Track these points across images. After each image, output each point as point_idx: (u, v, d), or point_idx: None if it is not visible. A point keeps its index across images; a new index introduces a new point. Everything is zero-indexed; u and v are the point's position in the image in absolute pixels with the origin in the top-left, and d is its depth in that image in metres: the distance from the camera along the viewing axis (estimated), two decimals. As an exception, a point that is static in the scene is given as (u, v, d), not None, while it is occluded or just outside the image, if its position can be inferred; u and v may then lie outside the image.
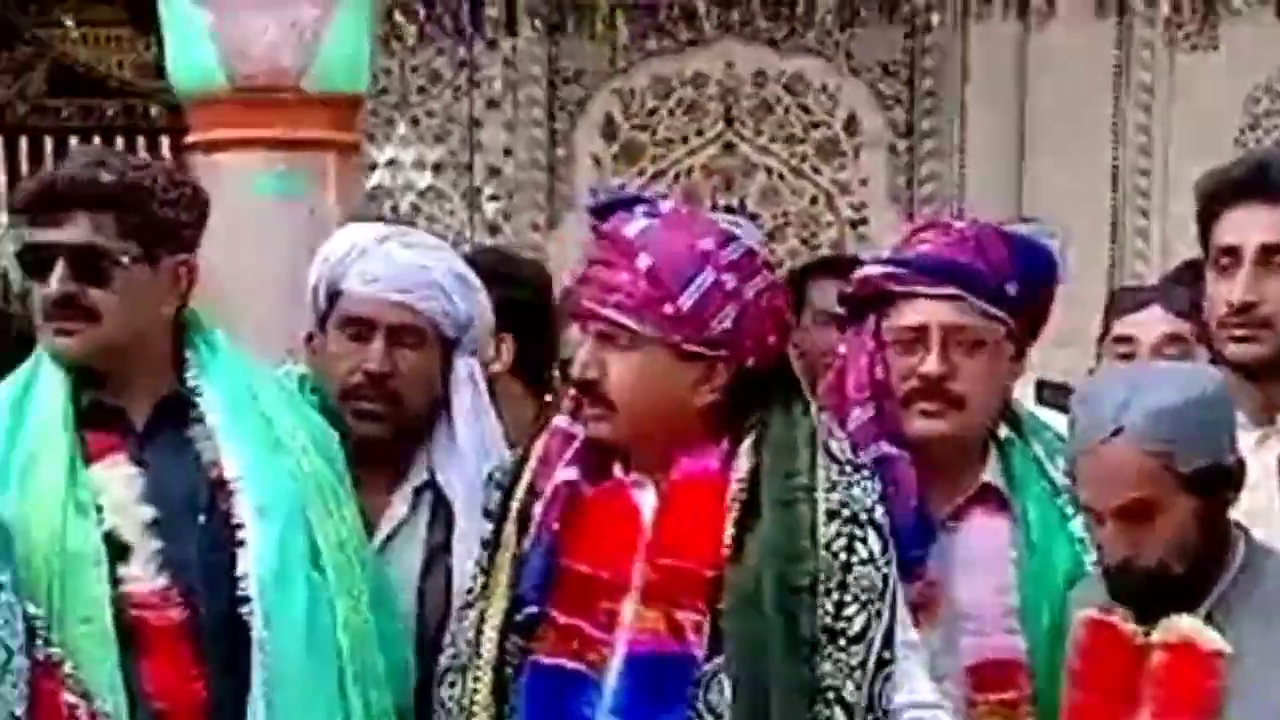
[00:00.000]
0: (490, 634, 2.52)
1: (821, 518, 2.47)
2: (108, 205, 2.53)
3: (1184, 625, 2.46)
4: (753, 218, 6.44)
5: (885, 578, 2.49)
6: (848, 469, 2.53)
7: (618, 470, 2.56)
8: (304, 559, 2.58)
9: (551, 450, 2.59)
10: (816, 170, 6.58)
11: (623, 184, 6.41)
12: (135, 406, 2.61)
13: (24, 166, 7.17)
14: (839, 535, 2.46)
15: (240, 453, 2.60)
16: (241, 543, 2.55)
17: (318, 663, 2.58)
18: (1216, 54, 6.34)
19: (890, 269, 2.75)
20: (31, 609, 2.35)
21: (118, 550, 2.50)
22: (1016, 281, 2.74)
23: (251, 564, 2.54)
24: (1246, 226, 2.79)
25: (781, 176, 6.59)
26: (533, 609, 2.49)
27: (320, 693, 2.58)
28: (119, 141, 6.75)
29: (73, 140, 7.05)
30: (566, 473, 2.55)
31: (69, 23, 7.01)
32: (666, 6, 6.38)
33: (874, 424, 2.72)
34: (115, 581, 2.48)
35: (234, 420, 2.62)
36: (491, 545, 2.59)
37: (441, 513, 2.90)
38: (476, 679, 2.52)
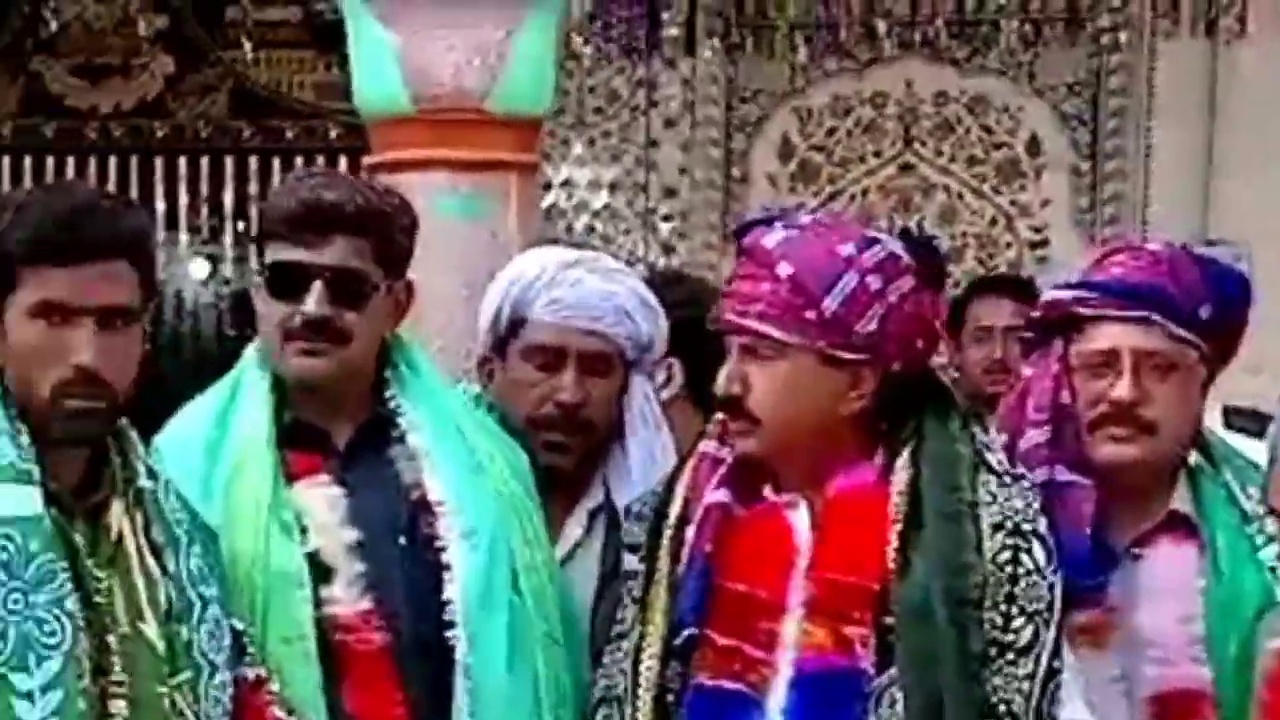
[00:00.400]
0: (649, 661, 2.51)
1: (986, 530, 2.44)
2: (364, 230, 2.56)
3: None
4: (930, 238, 6.39)
5: (1051, 588, 2.46)
6: (1007, 480, 2.49)
7: (768, 491, 2.53)
8: (506, 583, 2.59)
9: (700, 475, 2.57)
10: (997, 191, 6.51)
11: (799, 204, 6.38)
12: (338, 426, 2.63)
13: (204, 188, 7.26)
14: (1004, 548, 2.43)
15: (444, 475, 2.60)
16: (446, 566, 2.54)
17: (518, 686, 2.58)
18: None
19: (1080, 293, 2.71)
20: (238, 624, 2.37)
21: (321, 572, 2.51)
22: (1209, 305, 2.70)
23: (458, 588, 2.54)
24: None
25: (961, 197, 6.53)
26: (691, 631, 2.47)
27: (520, 716, 2.58)
28: (298, 162, 6.80)
29: (252, 161, 7.17)
30: (716, 495, 2.53)
31: (248, 45, 7.08)
32: (847, 26, 6.33)
33: (1048, 447, 2.68)
34: (318, 603, 2.49)
35: (437, 442, 2.63)
36: (645, 575, 2.57)
37: (615, 536, 2.88)
38: (636, 707, 2.50)
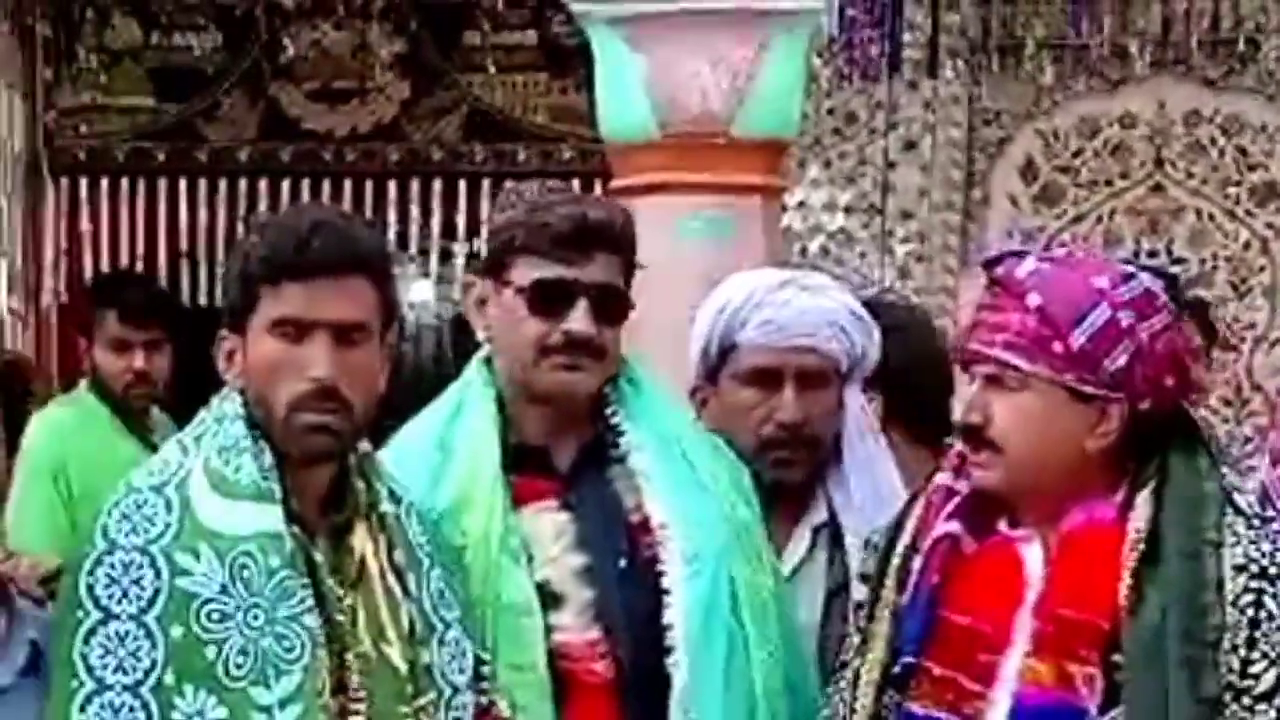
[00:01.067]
0: (866, 688, 2.48)
1: (1229, 571, 2.35)
2: (620, 248, 2.58)
3: None
4: (1178, 261, 6.24)
5: None
6: (1255, 522, 2.41)
7: (1003, 525, 2.49)
8: (726, 608, 2.55)
9: (933, 505, 2.52)
10: (1251, 214, 6.34)
11: (1040, 226, 6.29)
12: (560, 447, 2.61)
13: (436, 210, 7.32)
14: (1246, 590, 2.35)
15: (666, 497, 2.58)
16: (666, 590, 2.52)
17: (734, 714, 2.54)
18: None
19: None
20: (476, 649, 2.36)
21: (551, 599, 2.49)
22: None
23: (678, 614, 2.51)
24: None
25: (1213, 219, 6.36)
26: (909, 659, 2.43)
27: None
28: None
29: (485, 184, 7.22)
30: (947, 526, 2.50)
31: (491, 68, 7.14)
32: (1098, 45, 6.21)
33: None
34: (548, 631, 2.48)
35: (660, 463, 2.61)
36: (869, 603, 2.54)
37: (840, 553, 2.88)
38: None
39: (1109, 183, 6.41)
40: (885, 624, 2.49)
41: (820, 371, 2.90)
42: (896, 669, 2.46)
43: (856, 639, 2.55)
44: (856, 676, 2.51)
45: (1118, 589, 2.36)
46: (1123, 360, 2.40)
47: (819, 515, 2.91)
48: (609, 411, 2.63)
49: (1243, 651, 2.34)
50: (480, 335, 2.65)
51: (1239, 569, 2.36)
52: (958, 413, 2.50)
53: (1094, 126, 6.39)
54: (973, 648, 2.42)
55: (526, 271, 2.55)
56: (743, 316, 2.88)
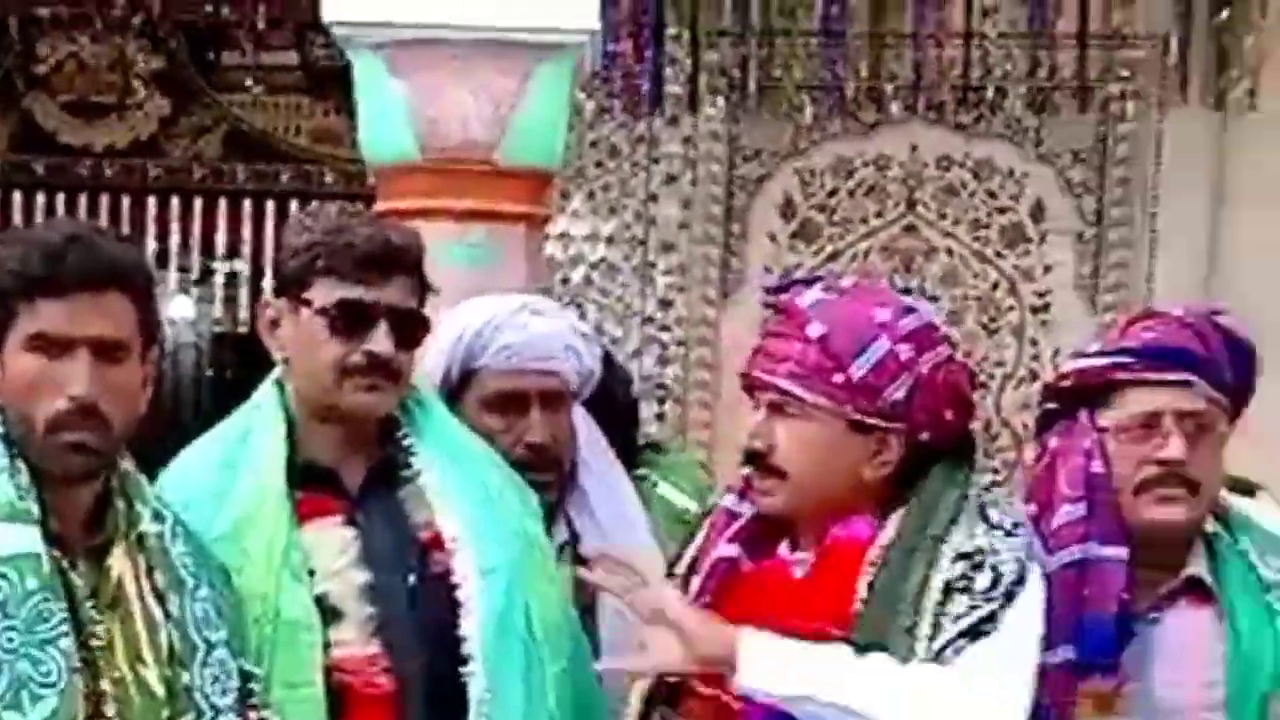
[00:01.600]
0: (635, 704, 2.53)
1: (946, 560, 2.42)
2: (417, 271, 2.60)
3: None
4: (931, 300, 6.38)
5: (989, 617, 2.40)
6: (998, 532, 2.47)
7: (783, 549, 2.54)
8: (521, 620, 2.57)
9: (715, 527, 2.58)
10: (1000, 255, 6.50)
11: (798, 264, 6.39)
12: (349, 467, 2.61)
13: (197, 228, 7.23)
14: (961, 576, 2.42)
15: (459, 512, 2.59)
16: (460, 603, 2.53)
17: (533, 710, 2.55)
18: None
19: (1116, 359, 2.73)
20: (248, 666, 2.36)
21: (330, 614, 2.49)
22: (1231, 369, 2.73)
23: (475, 624, 2.52)
24: None
25: (963, 259, 6.52)
26: (673, 678, 2.48)
27: None
28: (292, 206, 6.78)
29: (246, 204, 7.14)
30: (726, 549, 2.55)
31: (252, 88, 7.07)
32: (853, 88, 6.32)
33: (1083, 523, 2.66)
34: (326, 646, 2.47)
35: (451, 480, 2.62)
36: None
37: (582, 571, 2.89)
38: None
39: (864, 221, 6.52)
40: None
41: (559, 393, 2.99)
42: (663, 687, 2.51)
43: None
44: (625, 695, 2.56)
45: (850, 601, 2.43)
46: (902, 393, 2.46)
47: (561, 535, 2.96)
48: (400, 433, 2.64)
49: (930, 619, 2.40)
50: (275, 356, 2.65)
51: (959, 557, 2.43)
52: (747, 437, 2.53)
53: (850, 167, 6.50)
54: None
55: (327, 292, 2.55)
56: (483, 342, 2.93)
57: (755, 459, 2.52)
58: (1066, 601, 2.61)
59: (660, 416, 6.46)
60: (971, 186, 6.47)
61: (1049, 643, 2.55)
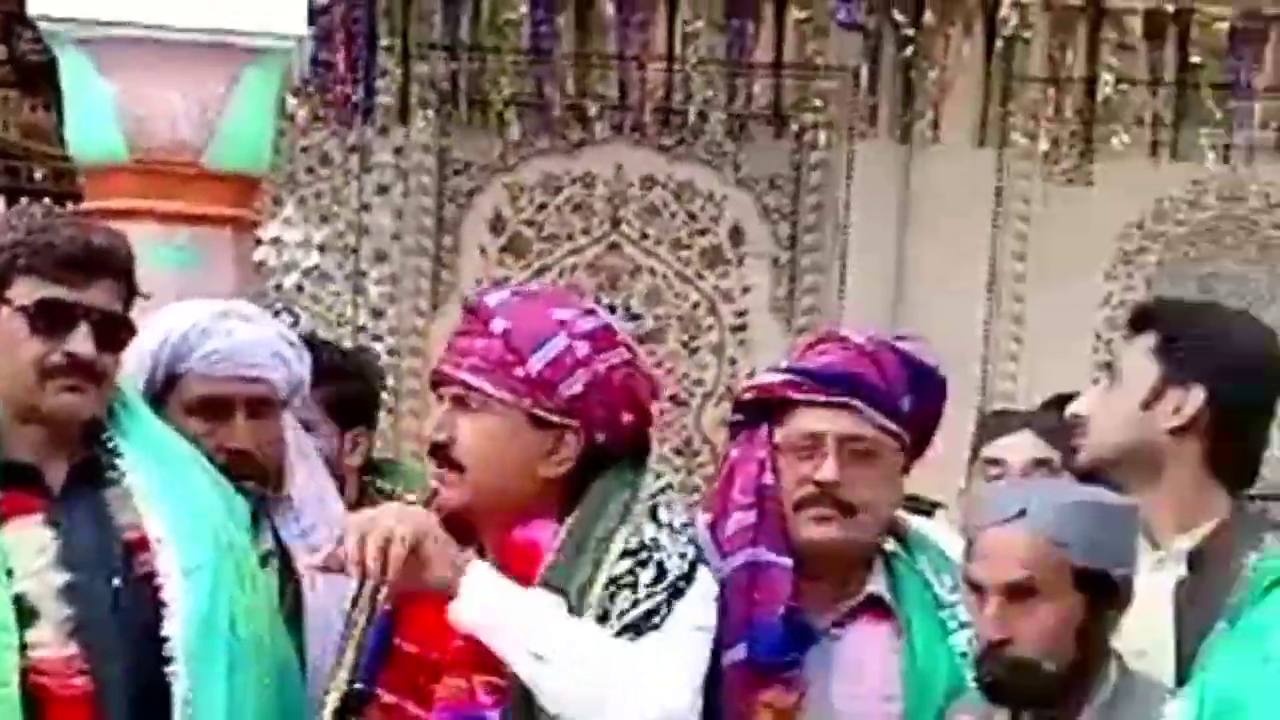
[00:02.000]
0: (327, 715, 2.55)
1: (614, 557, 2.49)
2: (123, 274, 2.60)
3: None
4: (635, 317, 6.52)
5: (651, 611, 2.48)
6: (665, 530, 2.54)
7: (470, 555, 2.55)
8: (225, 623, 2.57)
9: None
10: (700, 276, 6.63)
11: (507, 277, 6.45)
12: (53, 467, 2.61)
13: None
14: (628, 572, 2.48)
15: (164, 513, 2.60)
16: (164, 603, 2.54)
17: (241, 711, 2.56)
18: (1091, 190, 6.53)
19: (790, 378, 2.82)
20: None
21: (27, 614, 2.48)
22: (910, 397, 2.82)
23: (178, 626, 2.53)
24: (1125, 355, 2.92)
25: (666, 279, 6.65)
26: (359, 686, 2.52)
27: None
28: (0, 202, 6.66)
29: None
30: None
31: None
32: (559, 106, 6.41)
33: (753, 529, 2.76)
34: (23, 647, 2.46)
35: (156, 481, 2.63)
36: (345, 628, 2.62)
37: (293, 580, 2.96)
38: None
39: (571, 238, 6.61)
40: (351, 652, 2.57)
41: (266, 400, 2.98)
42: (349, 698, 2.55)
43: (333, 665, 2.62)
44: (322, 705, 2.57)
45: None
46: (578, 388, 2.53)
47: (266, 543, 2.97)
48: (105, 434, 2.64)
49: (595, 609, 2.46)
50: None
51: (626, 553, 2.50)
52: (429, 429, 2.59)
53: (557, 184, 6.58)
54: (422, 675, 2.51)
55: (28, 291, 2.55)
56: (188, 346, 2.92)
57: (437, 451, 2.56)
58: (739, 604, 2.70)
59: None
60: (673, 208, 6.59)
61: (725, 643, 2.65)
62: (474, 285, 6.42)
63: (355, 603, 2.64)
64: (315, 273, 6.55)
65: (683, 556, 2.53)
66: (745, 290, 6.63)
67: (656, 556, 2.51)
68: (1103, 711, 2.58)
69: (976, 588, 2.60)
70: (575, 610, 2.46)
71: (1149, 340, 2.86)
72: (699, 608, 2.54)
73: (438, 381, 2.61)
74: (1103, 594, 2.58)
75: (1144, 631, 2.71)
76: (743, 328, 6.63)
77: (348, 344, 6.35)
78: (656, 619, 2.48)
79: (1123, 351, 2.94)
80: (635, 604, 2.48)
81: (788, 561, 2.75)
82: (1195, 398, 2.83)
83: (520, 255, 6.62)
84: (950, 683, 2.77)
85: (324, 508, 3.08)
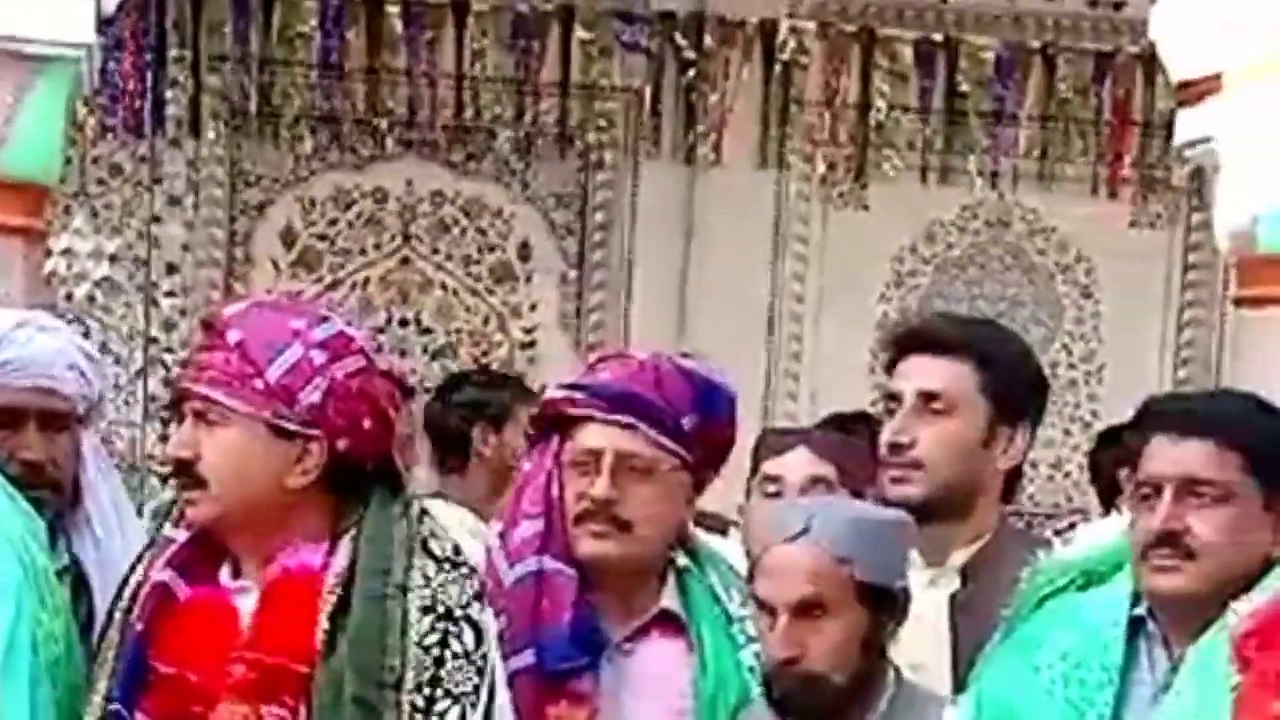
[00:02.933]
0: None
1: (415, 614, 2.46)
2: None
3: None
4: (427, 332, 6.59)
5: (480, 672, 2.49)
6: (446, 566, 2.53)
7: (224, 575, 2.56)
8: (28, 645, 2.52)
9: (153, 555, 2.57)
10: (490, 291, 6.69)
11: (299, 291, 6.42)
12: None
13: None
14: (433, 630, 2.46)
15: None
16: None
17: None
18: (866, 213, 6.73)
19: (570, 394, 2.87)
20: None
21: None
22: (694, 416, 2.86)
23: None
24: (909, 374, 3.02)
25: (456, 294, 6.69)
26: (116, 707, 2.46)
27: None
28: None
29: None
30: (162, 574, 2.53)
31: None
32: (350, 121, 6.45)
33: (539, 539, 2.81)
34: None
35: None
36: (96, 652, 2.57)
37: (84, 594, 2.91)
38: None
39: (363, 252, 6.63)
40: (103, 678, 2.51)
41: (61, 413, 2.95)
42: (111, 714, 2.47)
43: (87, 691, 2.55)
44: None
45: (314, 634, 2.43)
46: (316, 396, 2.48)
47: (60, 561, 2.90)
48: None
49: (427, 690, 2.42)
50: None
51: (425, 610, 2.46)
52: (170, 447, 2.55)
53: (349, 198, 6.60)
54: (183, 698, 2.46)
55: None
56: None
57: (182, 468, 2.51)
58: (525, 612, 2.76)
59: (165, 438, 6.29)
60: (463, 223, 6.64)
61: (512, 650, 2.69)
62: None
63: (106, 620, 2.60)
64: (106, 284, 6.50)
65: (476, 598, 2.54)
66: (533, 306, 6.69)
67: (461, 614, 2.49)
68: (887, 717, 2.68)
69: (764, 605, 2.67)
70: (391, 671, 2.43)
71: (966, 371, 2.98)
72: (496, 658, 2.57)
73: (180, 398, 2.56)
74: (884, 607, 2.68)
75: (921, 645, 2.82)
76: (532, 344, 6.69)
77: (139, 357, 6.35)
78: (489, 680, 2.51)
79: (925, 372, 3.00)
80: (479, 672, 2.48)
81: (572, 572, 2.79)
82: (1022, 437, 3.01)
83: (312, 269, 6.62)
84: (739, 695, 2.83)
85: (121, 522, 3.05)
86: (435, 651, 2.45)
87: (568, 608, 2.77)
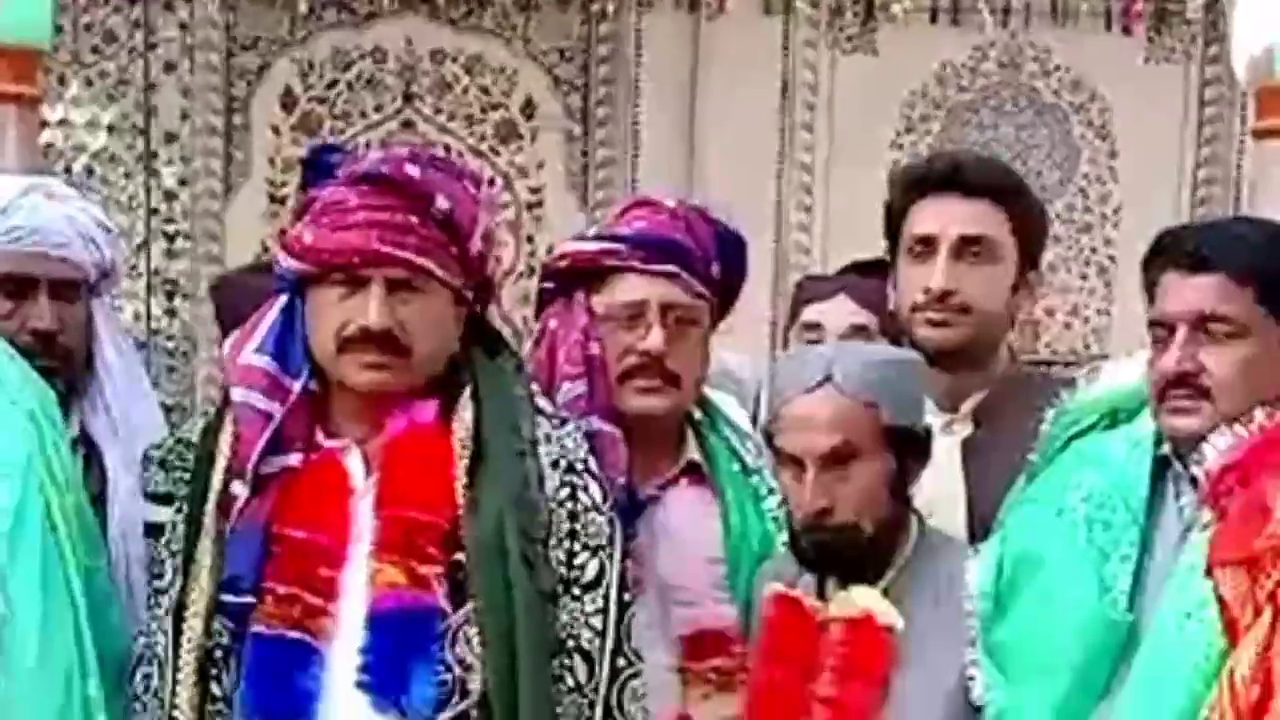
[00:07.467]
0: (193, 620, 2.49)
1: (546, 468, 2.51)
2: None
3: (862, 599, 2.63)
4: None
5: (611, 522, 2.55)
6: (555, 422, 2.57)
7: (320, 437, 2.57)
8: (41, 516, 2.52)
9: (245, 427, 2.55)
10: (495, 151, 6.61)
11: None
12: None
13: None
14: (563, 485, 2.51)
15: None
16: None
17: (54, 616, 2.50)
18: (876, 58, 6.61)
19: (607, 244, 2.82)
20: None
21: None
22: (719, 262, 2.85)
23: None
24: (944, 217, 2.97)
25: (461, 155, 6.59)
26: (247, 582, 2.46)
27: (61, 647, 2.50)
28: None
29: None
30: (266, 446, 2.52)
31: None
32: None
33: (586, 400, 2.77)
34: None
35: None
36: (187, 530, 2.54)
37: (95, 463, 2.91)
38: (178, 666, 2.48)
39: (363, 114, 6.54)
40: (210, 552, 2.50)
41: (72, 281, 2.92)
42: (232, 596, 2.47)
43: (171, 565, 2.54)
44: (180, 607, 2.50)
45: (453, 489, 2.46)
46: (492, 263, 2.57)
47: (72, 428, 2.91)
48: None
49: (567, 544, 2.49)
50: None
51: (554, 465, 2.51)
52: (373, 317, 2.49)
53: (347, 59, 6.50)
54: (311, 562, 2.47)
55: None
56: None
57: (373, 337, 2.49)
58: None
59: (171, 313, 6.40)
60: (465, 82, 6.55)
61: None
62: (267, 165, 6.38)
63: (194, 505, 2.56)
64: (105, 154, 6.43)
65: (584, 450, 2.57)
66: (539, 165, 6.62)
67: (580, 466, 2.53)
68: (905, 568, 2.68)
69: (790, 458, 2.64)
70: (529, 520, 2.45)
71: (1000, 214, 2.96)
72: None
73: (361, 263, 2.51)
74: (910, 450, 2.67)
75: (936, 490, 2.81)
76: (539, 204, 6.63)
77: (141, 228, 6.28)
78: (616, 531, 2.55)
79: (962, 216, 2.96)
80: (610, 522, 2.54)
81: (618, 431, 2.76)
82: (1035, 281, 3.01)
83: (313, 133, 6.51)
84: (763, 544, 2.85)
85: (131, 394, 3.03)
86: (569, 505, 2.50)
87: (623, 469, 2.74)
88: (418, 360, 2.51)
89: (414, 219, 2.48)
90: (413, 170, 2.52)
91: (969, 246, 2.96)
